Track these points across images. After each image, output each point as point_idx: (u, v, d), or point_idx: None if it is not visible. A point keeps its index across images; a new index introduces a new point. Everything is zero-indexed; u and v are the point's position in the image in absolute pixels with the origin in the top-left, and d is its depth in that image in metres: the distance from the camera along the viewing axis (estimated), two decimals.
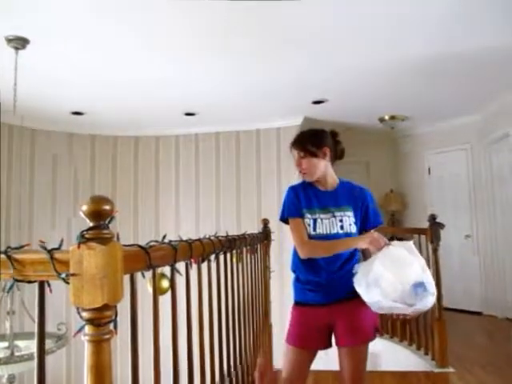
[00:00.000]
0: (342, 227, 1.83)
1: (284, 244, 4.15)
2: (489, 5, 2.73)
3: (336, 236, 1.81)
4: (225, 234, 1.99)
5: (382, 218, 2.06)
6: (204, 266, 1.61)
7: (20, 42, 3.04)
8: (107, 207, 0.82)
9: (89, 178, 5.68)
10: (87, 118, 5.13)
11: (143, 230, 5.65)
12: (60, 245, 0.85)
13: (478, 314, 5.35)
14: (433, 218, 3.59)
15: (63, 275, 0.81)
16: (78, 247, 0.79)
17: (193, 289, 1.48)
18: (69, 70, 3.72)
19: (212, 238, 1.71)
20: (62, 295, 1.37)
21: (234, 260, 2.23)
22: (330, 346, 1.91)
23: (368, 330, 1.84)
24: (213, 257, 1.74)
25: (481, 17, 2.88)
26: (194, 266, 1.50)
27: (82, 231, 0.80)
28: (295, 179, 2.39)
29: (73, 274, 0.79)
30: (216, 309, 1.84)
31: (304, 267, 1.89)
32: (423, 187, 6.20)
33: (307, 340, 1.87)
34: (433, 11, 2.78)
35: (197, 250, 1.46)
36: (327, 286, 1.85)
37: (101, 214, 0.81)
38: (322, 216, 1.85)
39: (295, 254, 1.91)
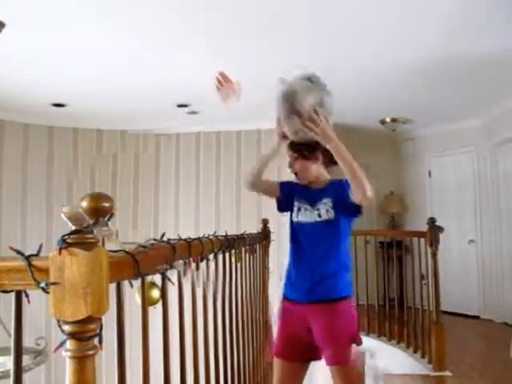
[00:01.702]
0: (319, 215, 1.91)
1: (283, 244, 4.14)
2: (492, 7, 2.72)
3: (315, 224, 1.90)
4: (224, 234, 1.99)
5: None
6: (200, 271, 1.60)
7: None
8: (107, 204, 0.81)
9: (71, 175, 5.41)
10: (69, 109, 4.82)
11: (141, 230, 5.58)
12: (39, 250, 0.78)
13: (476, 317, 5.35)
14: (432, 221, 3.59)
15: (42, 284, 0.74)
16: (59, 253, 0.72)
17: (186, 299, 1.40)
18: (49, 58, 3.46)
19: (211, 237, 1.71)
20: (41, 306, 1.28)
21: (233, 260, 2.24)
22: (316, 358, 1.88)
23: (344, 340, 1.80)
24: (211, 256, 1.74)
25: (484, 19, 2.87)
26: (188, 273, 1.45)
27: (64, 235, 0.73)
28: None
29: (53, 283, 0.73)
30: (212, 316, 1.80)
31: (291, 260, 1.98)
32: (424, 190, 6.18)
33: (289, 351, 1.89)
34: (435, 12, 2.77)
35: (196, 249, 1.45)
36: (307, 279, 1.88)
37: (100, 211, 0.80)
38: (307, 207, 1.95)
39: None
